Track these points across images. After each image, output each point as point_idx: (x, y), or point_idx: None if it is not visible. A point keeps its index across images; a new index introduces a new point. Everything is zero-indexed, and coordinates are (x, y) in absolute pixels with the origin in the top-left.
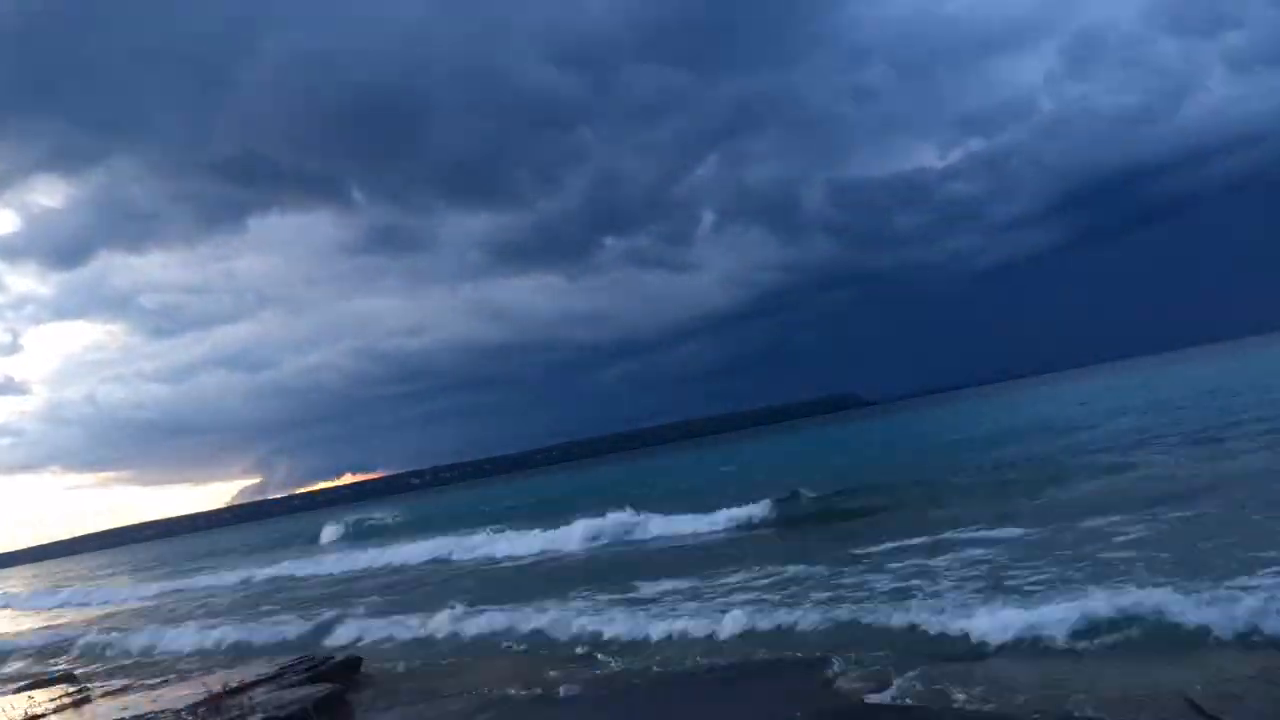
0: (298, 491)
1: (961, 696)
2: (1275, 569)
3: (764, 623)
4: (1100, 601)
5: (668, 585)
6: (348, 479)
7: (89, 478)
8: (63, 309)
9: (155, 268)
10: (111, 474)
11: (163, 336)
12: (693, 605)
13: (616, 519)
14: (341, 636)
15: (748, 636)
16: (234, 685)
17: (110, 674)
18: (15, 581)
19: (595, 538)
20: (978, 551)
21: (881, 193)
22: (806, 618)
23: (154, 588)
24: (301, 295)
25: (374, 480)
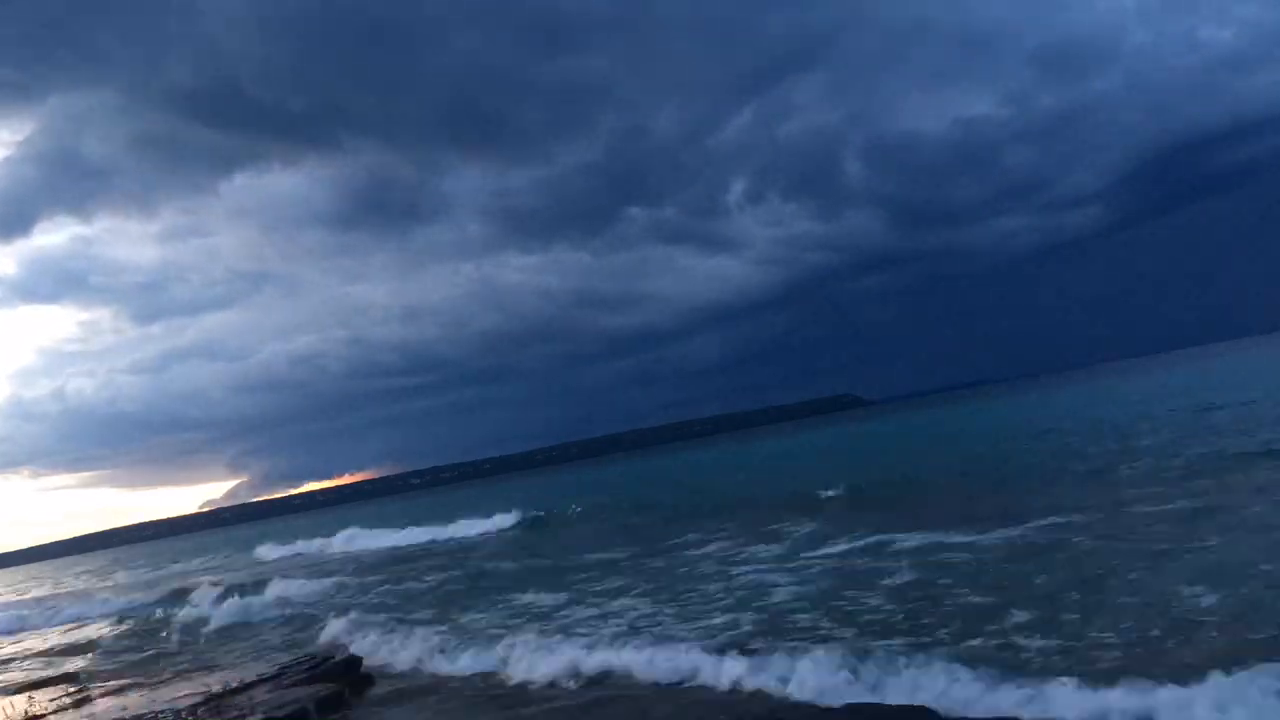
0: (294, 492)
1: None
2: None
3: None
4: None
5: None
6: (345, 479)
7: (66, 478)
8: (18, 291)
9: (114, 239)
10: (88, 474)
11: (133, 322)
12: None
13: None
14: None
15: None
16: (234, 685)
17: (111, 674)
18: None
19: None
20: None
21: (933, 151)
22: None
23: None
24: (283, 273)
25: (372, 480)
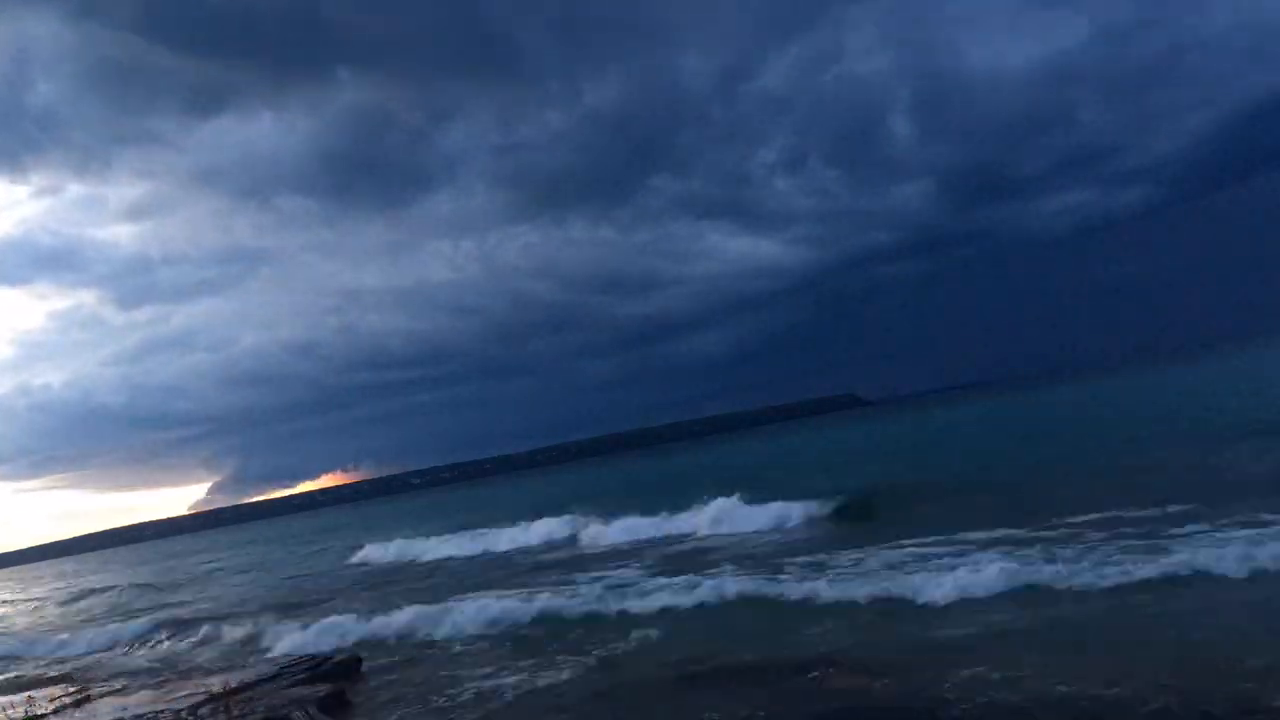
0: (290, 492)
1: None
2: None
3: None
4: None
5: None
6: (343, 478)
7: (39, 481)
8: None
9: (63, 206)
10: (62, 475)
11: (111, 308)
12: None
13: None
14: None
15: None
16: (234, 685)
17: (111, 674)
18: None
19: None
20: None
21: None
22: None
23: None
24: (267, 250)
25: (371, 480)
